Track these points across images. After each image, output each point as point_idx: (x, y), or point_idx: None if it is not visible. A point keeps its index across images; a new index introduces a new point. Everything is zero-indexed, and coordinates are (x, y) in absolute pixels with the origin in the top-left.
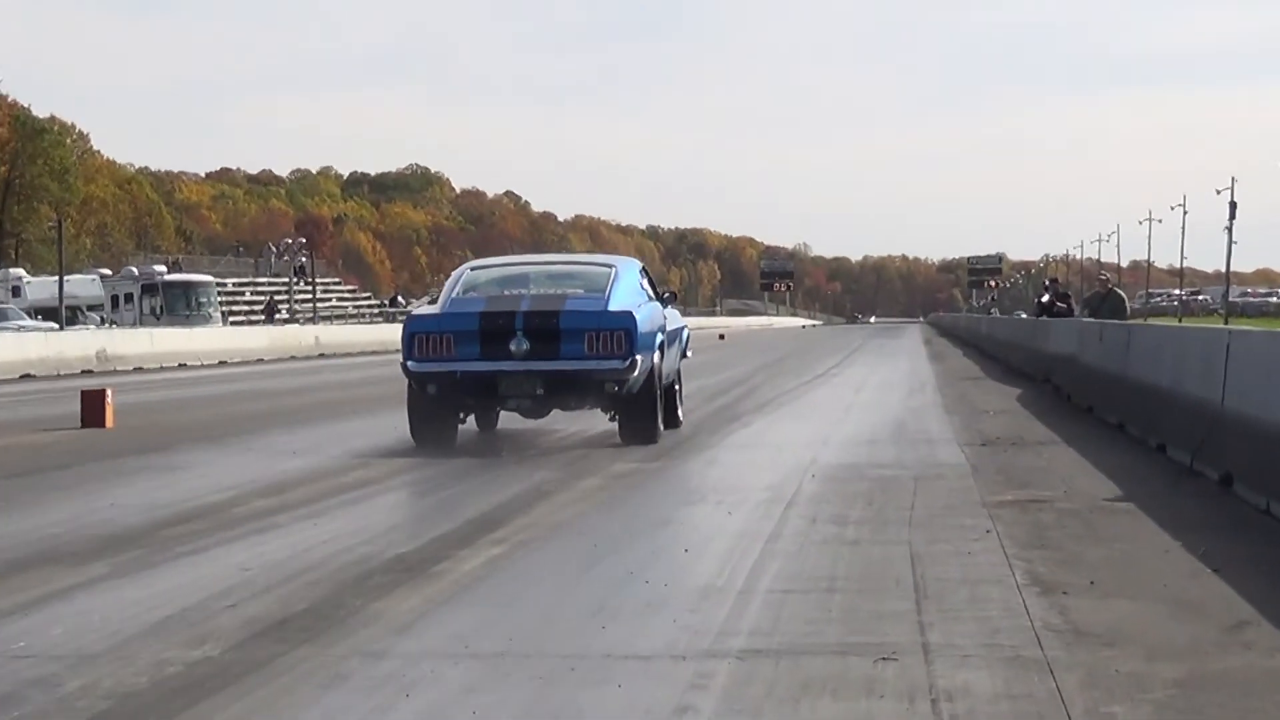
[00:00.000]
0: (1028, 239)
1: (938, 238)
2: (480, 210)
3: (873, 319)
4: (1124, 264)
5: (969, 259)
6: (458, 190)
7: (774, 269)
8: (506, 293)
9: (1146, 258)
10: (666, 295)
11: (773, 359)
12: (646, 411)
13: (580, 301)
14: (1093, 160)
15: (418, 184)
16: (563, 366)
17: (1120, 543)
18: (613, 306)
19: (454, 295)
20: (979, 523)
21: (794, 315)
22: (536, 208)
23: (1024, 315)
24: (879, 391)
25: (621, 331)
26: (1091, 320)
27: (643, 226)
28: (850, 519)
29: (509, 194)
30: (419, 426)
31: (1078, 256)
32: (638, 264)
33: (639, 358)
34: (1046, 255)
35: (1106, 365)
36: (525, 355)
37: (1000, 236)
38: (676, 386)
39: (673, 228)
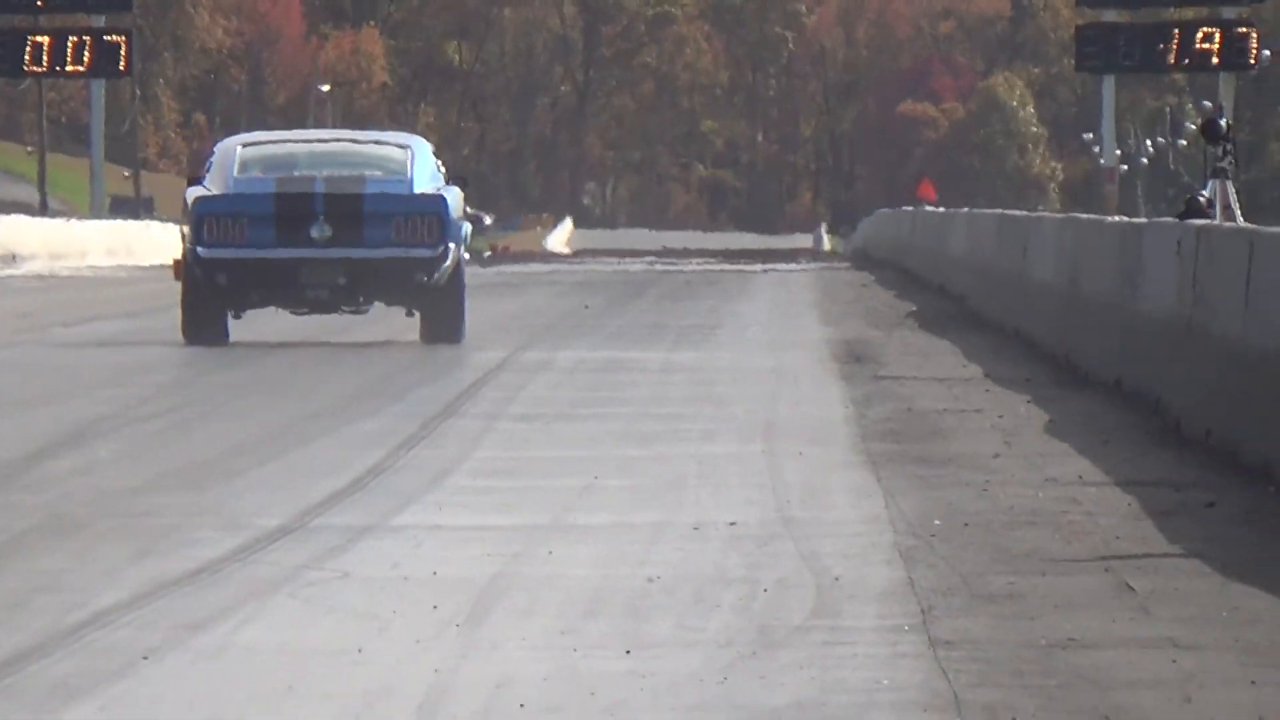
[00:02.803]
0: None
1: None
2: None
3: None
4: None
5: None
6: None
7: None
8: (298, 173)
9: None
10: (456, 179)
11: None
12: (454, 306)
13: (383, 183)
14: None
15: None
16: (369, 254)
17: None
18: (419, 189)
19: (234, 175)
20: None
21: None
22: None
23: None
24: None
25: (433, 217)
26: None
27: None
28: None
29: None
30: (196, 321)
31: None
32: (428, 144)
33: (450, 246)
34: None
35: None
36: (328, 241)
37: None
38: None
39: None
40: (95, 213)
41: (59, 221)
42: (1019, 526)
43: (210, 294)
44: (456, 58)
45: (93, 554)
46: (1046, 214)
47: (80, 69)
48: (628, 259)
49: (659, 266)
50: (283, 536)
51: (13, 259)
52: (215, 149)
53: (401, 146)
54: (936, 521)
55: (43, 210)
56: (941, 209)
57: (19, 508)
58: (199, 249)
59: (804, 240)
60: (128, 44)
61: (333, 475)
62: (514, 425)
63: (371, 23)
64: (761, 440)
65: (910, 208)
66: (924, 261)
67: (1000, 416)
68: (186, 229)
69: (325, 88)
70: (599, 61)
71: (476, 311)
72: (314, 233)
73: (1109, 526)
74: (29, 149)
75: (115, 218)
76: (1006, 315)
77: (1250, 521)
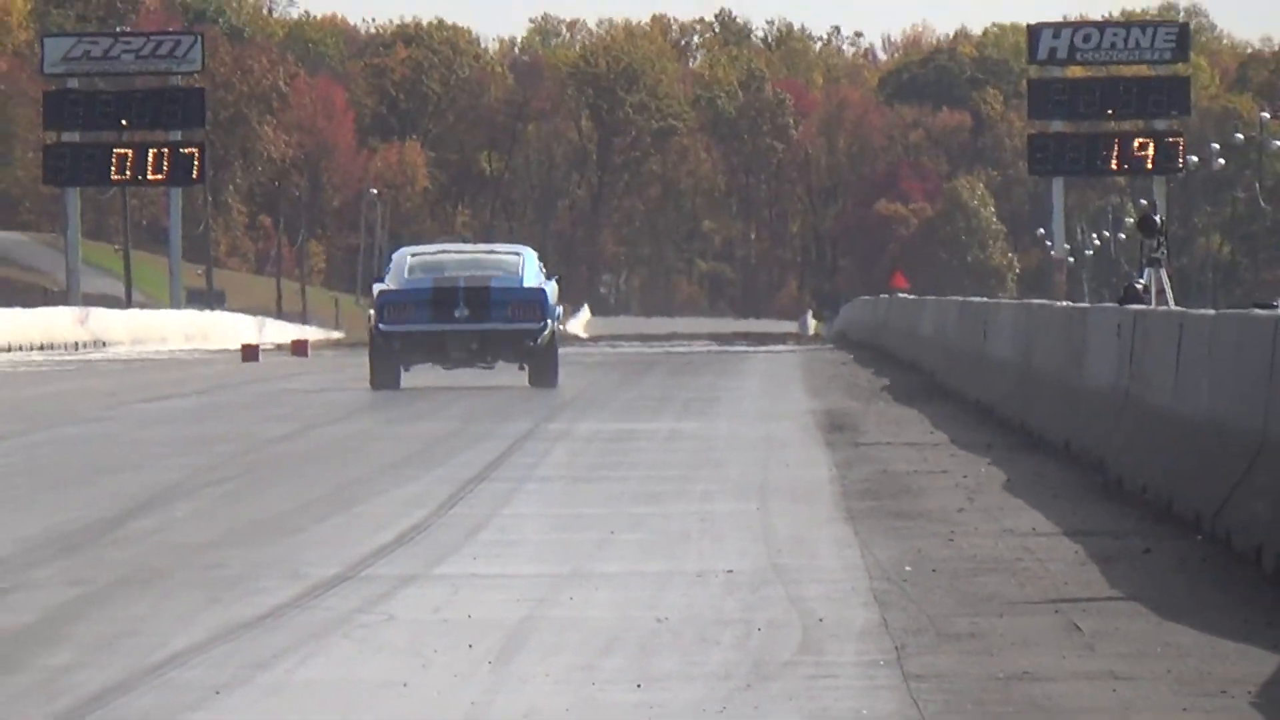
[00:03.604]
0: None
1: None
2: None
3: None
4: None
5: None
6: None
7: None
8: (446, 274)
9: None
10: (554, 276)
11: None
12: (551, 363)
13: (503, 280)
14: None
15: None
16: (493, 327)
17: None
18: (527, 283)
19: (405, 275)
20: None
21: None
22: None
23: None
24: None
25: (536, 302)
26: None
27: None
28: None
29: None
30: (381, 374)
31: None
32: (534, 252)
33: (549, 322)
34: None
35: None
36: (465, 319)
37: None
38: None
39: None
40: (173, 304)
41: (141, 312)
42: (980, 573)
43: (388, 355)
44: (488, 166)
45: (170, 602)
46: (1004, 300)
47: (159, 178)
48: (638, 342)
49: (664, 348)
50: (337, 585)
51: (101, 344)
52: (392, 257)
53: (515, 254)
54: (908, 569)
55: (127, 302)
56: (912, 296)
57: (105, 562)
58: (381, 325)
59: (790, 326)
60: (201, 156)
61: (381, 531)
62: (539, 487)
63: (414, 136)
64: (755, 499)
65: (885, 295)
66: (897, 342)
67: (964, 476)
68: (372, 311)
69: (375, 192)
70: (611, 169)
71: (506, 390)
72: (457, 314)
73: (1058, 572)
74: (115, 248)
75: (191, 308)
76: (969, 388)
77: (1182, 567)
